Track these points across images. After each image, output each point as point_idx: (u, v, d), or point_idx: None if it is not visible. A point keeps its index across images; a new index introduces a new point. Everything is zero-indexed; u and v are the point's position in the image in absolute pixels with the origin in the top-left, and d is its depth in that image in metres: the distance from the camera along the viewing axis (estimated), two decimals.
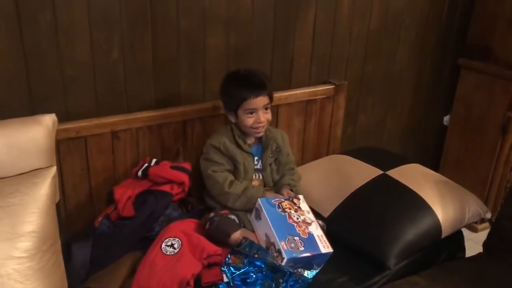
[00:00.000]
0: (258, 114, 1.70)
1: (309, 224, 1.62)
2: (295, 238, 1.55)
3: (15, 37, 1.53)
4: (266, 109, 1.73)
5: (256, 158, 1.79)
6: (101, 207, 1.78)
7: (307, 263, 1.55)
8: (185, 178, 1.74)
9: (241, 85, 1.69)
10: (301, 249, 1.53)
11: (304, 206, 1.68)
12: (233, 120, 1.75)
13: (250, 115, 1.70)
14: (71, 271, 1.46)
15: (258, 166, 1.79)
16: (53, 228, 1.33)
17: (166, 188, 1.72)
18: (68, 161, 1.69)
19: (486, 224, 2.66)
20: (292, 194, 1.76)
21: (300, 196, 1.71)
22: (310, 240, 1.57)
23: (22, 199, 1.27)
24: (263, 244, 1.58)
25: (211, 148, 1.74)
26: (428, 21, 2.55)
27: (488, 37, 2.59)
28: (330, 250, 1.57)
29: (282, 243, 1.52)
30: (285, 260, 1.50)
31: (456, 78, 2.75)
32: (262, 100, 1.70)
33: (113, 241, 1.60)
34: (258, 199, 1.64)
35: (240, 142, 1.74)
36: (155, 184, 1.74)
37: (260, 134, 1.76)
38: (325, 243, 1.58)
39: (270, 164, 1.81)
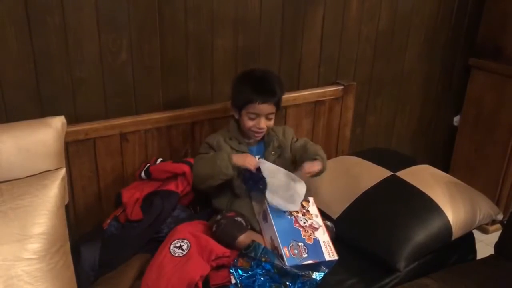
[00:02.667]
0: (259, 119, 1.68)
1: (316, 229, 1.60)
2: (299, 244, 1.53)
3: (25, 40, 1.54)
4: (269, 117, 1.70)
5: (258, 156, 1.78)
6: (110, 208, 1.79)
7: (313, 266, 1.54)
8: (186, 168, 1.73)
9: (251, 87, 1.67)
10: (304, 256, 1.51)
11: (313, 209, 1.66)
12: (236, 116, 1.74)
13: (251, 118, 1.69)
14: (80, 272, 1.46)
15: None
16: (62, 230, 1.34)
17: (171, 187, 1.72)
18: (77, 163, 1.70)
19: (498, 226, 2.63)
20: (318, 166, 1.69)
21: (310, 199, 1.69)
22: (315, 247, 1.54)
23: (31, 201, 1.27)
24: (268, 246, 1.56)
25: (204, 144, 1.75)
26: (437, 21, 2.53)
27: (498, 36, 2.57)
28: (335, 257, 1.54)
29: (285, 249, 1.51)
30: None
31: (466, 78, 2.73)
32: (267, 108, 1.68)
33: (121, 243, 1.61)
34: (266, 202, 1.62)
35: (233, 143, 1.73)
36: (161, 182, 1.74)
37: (258, 138, 1.75)
38: (331, 250, 1.55)
39: (274, 161, 1.79)
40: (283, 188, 1.60)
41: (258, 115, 1.68)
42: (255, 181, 1.62)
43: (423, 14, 2.46)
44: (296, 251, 1.51)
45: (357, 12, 2.23)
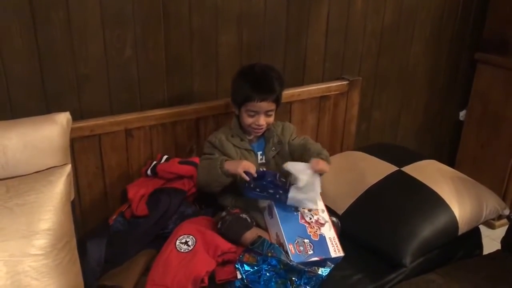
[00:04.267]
0: (259, 117, 1.67)
1: (322, 224, 1.59)
2: (305, 240, 1.53)
3: (29, 36, 1.54)
4: (269, 114, 1.69)
5: (260, 152, 1.77)
6: (116, 204, 1.79)
7: (319, 262, 1.53)
8: (193, 171, 1.73)
9: (250, 84, 1.65)
10: (309, 252, 1.51)
11: (319, 204, 1.65)
12: (236, 112, 1.74)
13: (250, 115, 1.68)
14: (86, 268, 1.47)
15: (263, 161, 1.78)
16: (68, 226, 1.34)
17: (178, 184, 1.72)
18: (83, 159, 1.71)
19: (504, 221, 2.62)
20: (321, 163, 1.61)
21: None
22: (320, 243, 1.54)
23: (37, 197, 1.28)
24: (274, 242, 1.56)
25: (207, 143, 1.74)
26: (443, 15, 2.52)
27: (505, 30, 2.55)
28: (341, 254, 1.54)
29: (290, 246, 1.51)
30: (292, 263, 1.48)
31: (472, 73, 2.71)
32: (266, 105, 1.66)
33: (127, 239, 1.61)
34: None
35: (235, 140, 1.72)
36: (167, 181, 1.74)
37: (258, 134, 1.74)
38: (337, 246, 1.55)
39: (274, 157, 1.78)
40: (309, 187, 1.56)
41: (257, 113, 1.67)
42: (263, 188, 1.56)
43: (429, 8, 2.44)
44: (301, 248, 1.51)
45: (362, 7, 2.22)
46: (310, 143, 1.80)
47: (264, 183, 1.56)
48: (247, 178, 1.57)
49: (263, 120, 1.68)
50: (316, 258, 1.51)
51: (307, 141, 1.81)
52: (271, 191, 1.55)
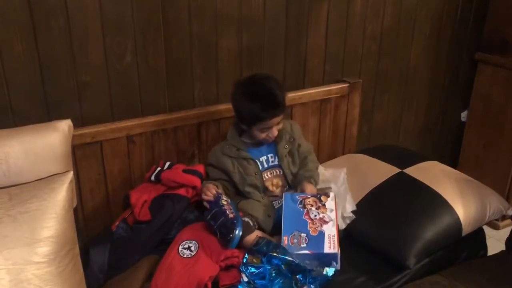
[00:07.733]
0: (272, 130, 1.70)
1: (326, 222, 1.60)
2: (302, 234, 1.55)
3: (30, 44, 1.54)
4: (279, 123, 1.72)
5: (270, 155, 1.79)
6: (118, 211, 1.79)
7: (318, 260, 1.53)
8: (197, 182, 1.73)
9: (258, 105, 1.65)
10: (302, 245, 1.53)
11: (330, 204, 1.66)
12: (243, 127, 1.75)
13: (263, 131, 1.71)
14: (89, 275, 1.47)
15: (275, 162, 1.79)
16: (71, 233, 1.34)
17: (181, 191, 1.72)
18: (85, 166, 1.71)
19: (508, 221, 2.61)
20: (314, 190, 1.74)
21: (331, 194, 1.69)
22: (317, 239, 1.55)
23: (40, 204, 1.28)
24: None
25: (207, 167, 1.79)
26: (443, 16, 2.52)
27: (505, 30, 2.55)
28: (335, 251, 1.53)
29: (285, 237, 1.54)
30: None
31: (473, 73, 2.71)
32: (276, 119, 1.69)
33: (130, 245, 1.61)
34: (284, 193, 1.68)
35: (230, 151, 1.74)
36: (169, 188, 1.74)
37: (270, 142, 1.77)
38: (333, 243, 1.55)
39: (286, 156, 1.80)
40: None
41: (269, 128, 1.70)
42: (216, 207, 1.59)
43: (428, 8, 2.44)
44: (295, 241, 1.54)
45: (362, 8, 2.22)
46: (310, 158, 1.86)
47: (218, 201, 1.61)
48: (207, 206, 1.63)
49: (275, 131, 1.72)
50: (307, 252, 1.52)
51: (309, 155, 1.87)
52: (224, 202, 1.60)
